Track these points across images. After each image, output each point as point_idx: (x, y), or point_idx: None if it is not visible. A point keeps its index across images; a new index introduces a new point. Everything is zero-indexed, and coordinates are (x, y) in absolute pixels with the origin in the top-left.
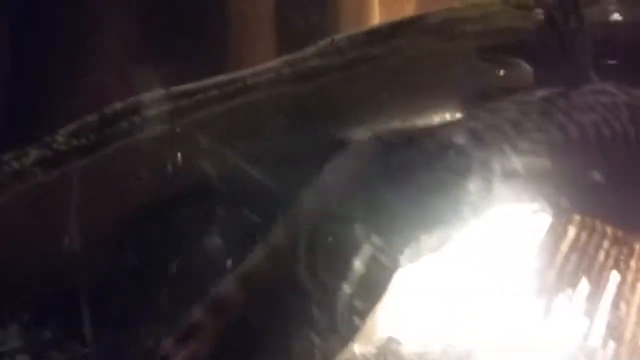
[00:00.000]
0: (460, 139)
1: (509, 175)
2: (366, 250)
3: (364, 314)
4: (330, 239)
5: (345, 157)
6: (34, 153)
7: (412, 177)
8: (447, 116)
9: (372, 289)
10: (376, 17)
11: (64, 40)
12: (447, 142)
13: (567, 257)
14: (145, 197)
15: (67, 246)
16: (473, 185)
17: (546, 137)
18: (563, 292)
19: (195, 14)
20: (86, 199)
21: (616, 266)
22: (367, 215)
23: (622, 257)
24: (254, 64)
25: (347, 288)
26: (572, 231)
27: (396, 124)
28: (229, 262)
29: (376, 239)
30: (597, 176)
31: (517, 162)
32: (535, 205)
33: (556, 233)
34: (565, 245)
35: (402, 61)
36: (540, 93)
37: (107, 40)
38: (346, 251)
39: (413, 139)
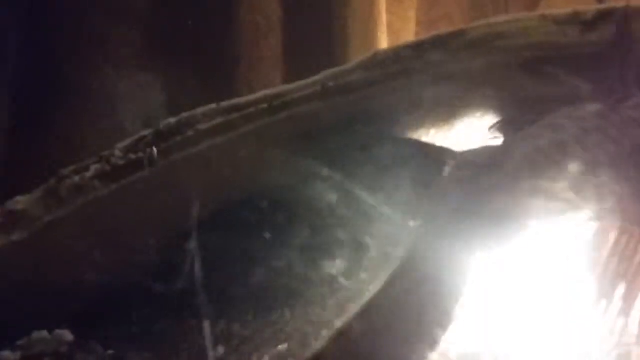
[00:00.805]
0: (534, 160)
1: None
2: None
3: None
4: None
5: (443, 184)
6: (93, 167)
7: (493, 199)
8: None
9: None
10: (383, 22)
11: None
12: (524, 164)
13: (608, 262)
14: (200, 209)
15: (124, 259)
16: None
17: (604, 152)
18: (604, 295)
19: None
20: (144, 212)
21: None
22: (470, 237)
23: None
24: (261, 71)
25: None
26: (613, 237)
27: (439, 137)
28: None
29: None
30: None
31: (579, 177)
32: (585, 215)
33: (600, 239)
34: (606, 251)
35: (442, 75)
36: (591, 108)
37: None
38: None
39: (496, 161)
